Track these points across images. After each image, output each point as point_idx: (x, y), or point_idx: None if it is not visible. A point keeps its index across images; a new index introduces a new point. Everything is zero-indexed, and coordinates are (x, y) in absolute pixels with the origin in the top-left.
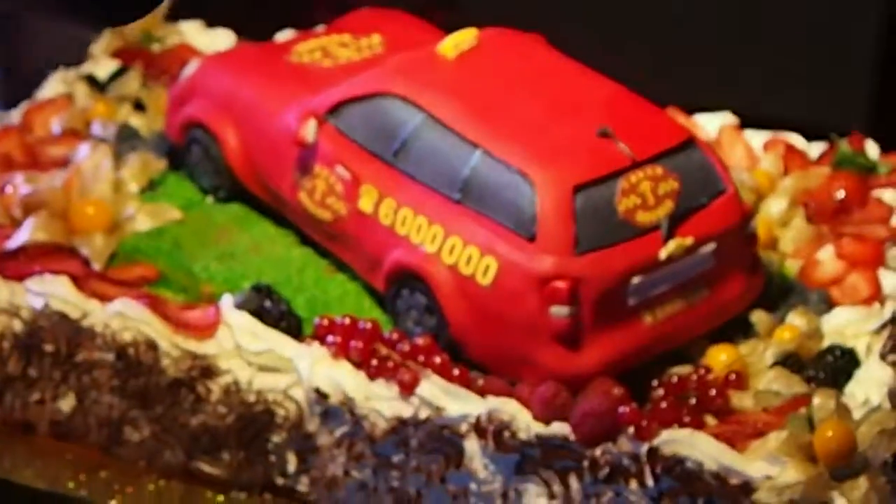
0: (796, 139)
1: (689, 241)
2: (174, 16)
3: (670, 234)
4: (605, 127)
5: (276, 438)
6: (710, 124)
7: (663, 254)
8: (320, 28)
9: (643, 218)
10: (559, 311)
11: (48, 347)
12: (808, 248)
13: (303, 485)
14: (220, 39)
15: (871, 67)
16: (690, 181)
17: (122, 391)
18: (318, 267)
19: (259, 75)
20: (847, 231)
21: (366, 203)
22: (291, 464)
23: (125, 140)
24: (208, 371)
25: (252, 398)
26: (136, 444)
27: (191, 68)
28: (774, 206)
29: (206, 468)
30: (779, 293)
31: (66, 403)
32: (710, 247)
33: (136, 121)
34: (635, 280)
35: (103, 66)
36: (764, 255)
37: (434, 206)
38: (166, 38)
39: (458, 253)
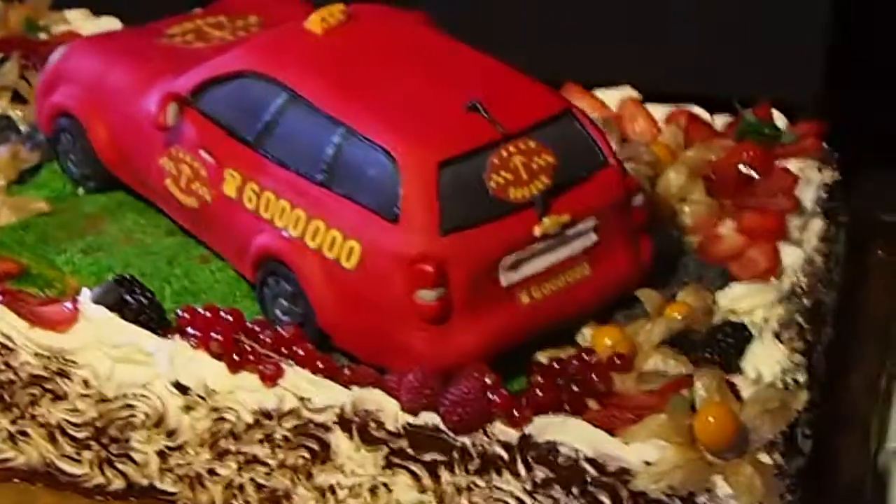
0: (699, 111)
1: (565, 217)
2: (60, 4)
3: (545, 211)
4: (475, 100)
5: (138, 435)
6: (611, 98)
7: (537, 231)
8: (198, 11)
9: (516, 194)
10: (426, 294)
11: None
12: (709, 223)
13: (167, 483)
14: (107, 27)
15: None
16: (568, 155)
17: None
18: (190, 256)
19: (127, 59)
20: (750, 204)
21: (229, 188)
22: (154, 462)
23: (1, 132)
24: (67, 366)
25: (111, 393)
26: None
27: (57, 54)
28: (673, 180)
29: (68, 468)
30: (673, 270)
31: None
32: (589, 223)
33: (16, 112)
34: (508, 259)
35: None
36: (661, 231)
37: (297, 188)
38: (51, 26)
39: (322, 237)
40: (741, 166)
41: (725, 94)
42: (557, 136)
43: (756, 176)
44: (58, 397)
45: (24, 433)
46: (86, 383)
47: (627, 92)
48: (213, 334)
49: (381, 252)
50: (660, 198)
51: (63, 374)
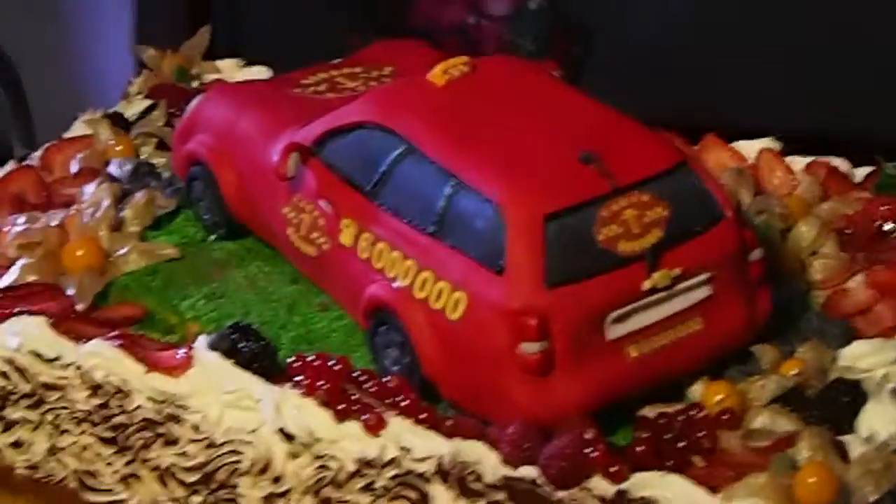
0: (840, 162)
1: (676, 271)
2: (212, 55)
3: (656, 264)
4: (588, 152)
5: (244, 481)
6: (750, 149)
7: (647, 285)
8: (337, 61)
9: (626, 247)
10: (529, 347)
11: (23, 388)
12: (839, 278)
13: None
14: (257, 77)
15: None
16: (682, 208)
17: (96, 432)
18: (309, 304)
19: (258, 108)
20: (882, 258)
21: (346, 237)
22: None
23: (139, 178)
24: (179, 411)
25: (220, 439)
26: (108, 486)
27: (195, 101)
28: (804, 233)
29: None
30: (795, 326)
31: (41, 445)
32: (702, 276)
33: (159, 159)
34: (615, 313)
35: (137, 105)
36: (787, 285)
37: (409, 239)
38: (203, 75)
39: (430, 287)
40: (877, 220)
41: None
42: (672, 189)
43: (891, 231)
44: (169, 442)
45: (136, 475)
46: (196, 428)
47: (767, 143)
48: (320, 383)
49: (485, 304)
50: (789, 251)
51: (175, 419)
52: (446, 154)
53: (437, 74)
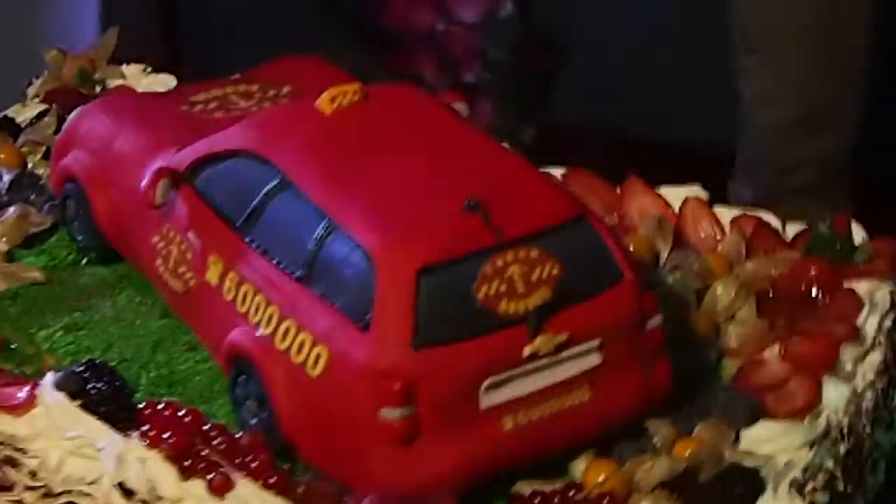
0: (771, 218)
1: (562, 336)
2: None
3: (540, 328)
4: (474, 199)
5: None
6: (679, 196)
7: (527, 350)
8: (236, 76)
9: (508, 307)
10: (391, 413)
11: None
12: (754, 346)
13: None
14: (163, 84)
15: None
16: (576, 266)
17: None
18: (177, 342)
19: (139, 125)
20: (803, 328)
21: (212, 274)
22: None
23: (19, 190)
24: (17, 454)
25: (58, 488)
26: None
27: (74, 114)
28: (721, 295)
29: None
30: (699, 399)
31: None
32: (591, 343)
33: (47, 169)
34: (491, 379)
35: (32, 109)
36: (696, 352)
37: (275, 282)
38: (107, 79)
39: (292, 338)
40: (802, 284)
41: None
42: (567, 245)
43: (819, 297)
44: (3, 487)
45: None
46: (33, 474)
47: (695, 191)
48: (166, 435)
49: (347, 362)
50: (703, 314)
51: (12, 463)
52: (321, 191)
53: (325, 102)
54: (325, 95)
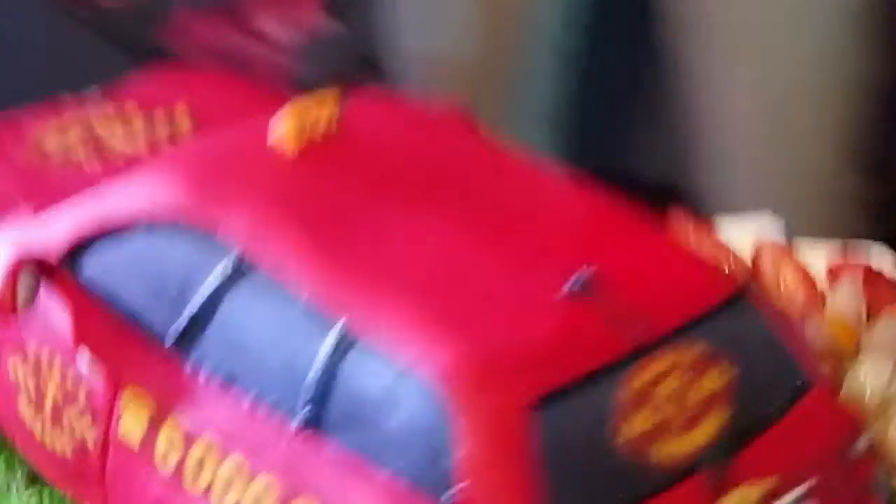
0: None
1: (768, 483)
2: None
3: (723, 479)
4: (581, 277)
5: None
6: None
7: None
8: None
9: (670, 450)
10: None
11: None
12: None
13: None
14: None
15: None
16: (750, 370)
17: None
18: None
19: None
20: None
21: (130, 426)
22: None
23: None
24: None
25: None
26: None
27: None
28: (872, 381)
29: None
30: None
31: None
32: (801, 488)
33: None
34: None
35: None
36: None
37: (259, 435)
38: None
39: None
40: None
41: None
42: (732, 337)
43: None
44: None
45: None
46: None
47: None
48: None
49: None
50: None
51: None
52: (314, 276)
53: (288, 137)
54: (288, 129)
